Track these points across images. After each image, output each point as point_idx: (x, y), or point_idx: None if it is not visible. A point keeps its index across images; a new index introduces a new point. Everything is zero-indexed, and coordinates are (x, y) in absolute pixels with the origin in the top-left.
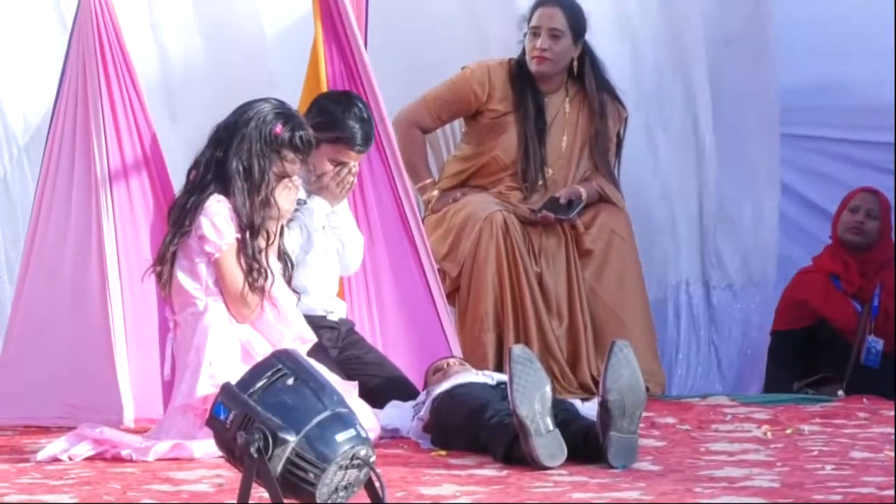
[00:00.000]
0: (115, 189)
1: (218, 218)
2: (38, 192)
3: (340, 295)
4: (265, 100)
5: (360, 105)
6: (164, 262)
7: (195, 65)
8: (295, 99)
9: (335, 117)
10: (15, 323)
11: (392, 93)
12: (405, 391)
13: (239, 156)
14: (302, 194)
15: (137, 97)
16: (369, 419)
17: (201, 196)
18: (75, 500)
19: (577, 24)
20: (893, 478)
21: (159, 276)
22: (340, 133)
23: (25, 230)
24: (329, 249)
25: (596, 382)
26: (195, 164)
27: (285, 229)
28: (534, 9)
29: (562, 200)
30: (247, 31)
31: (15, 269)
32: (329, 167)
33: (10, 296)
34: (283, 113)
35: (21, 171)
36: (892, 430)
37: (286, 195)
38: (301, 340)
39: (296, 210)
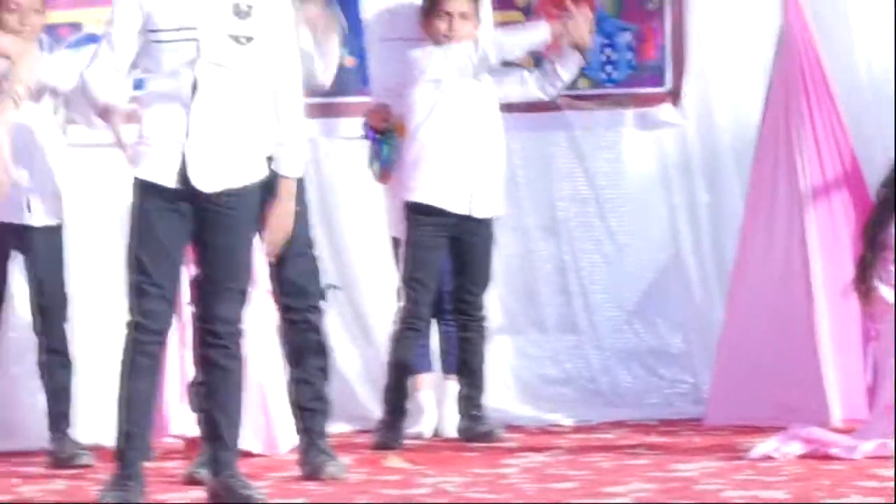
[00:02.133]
0: (818, 204)
1: None
2: (747, 206)
3: None
4: None
5: None
6: (864, 275)
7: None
8: None
9: None
10: (729, 331)
11: None
12: None
13: None
14: None
15: (836, 115)
16: None
17: (889, 212)
18: (789, 497)
19: None
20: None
21: (860, 290)
22: None
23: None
24: None
25: None
26: (884, 183)
27: None
28: None
29: None
30: None
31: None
32: None
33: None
34: None
35: None
36: None
37: None
38: None
39: None
